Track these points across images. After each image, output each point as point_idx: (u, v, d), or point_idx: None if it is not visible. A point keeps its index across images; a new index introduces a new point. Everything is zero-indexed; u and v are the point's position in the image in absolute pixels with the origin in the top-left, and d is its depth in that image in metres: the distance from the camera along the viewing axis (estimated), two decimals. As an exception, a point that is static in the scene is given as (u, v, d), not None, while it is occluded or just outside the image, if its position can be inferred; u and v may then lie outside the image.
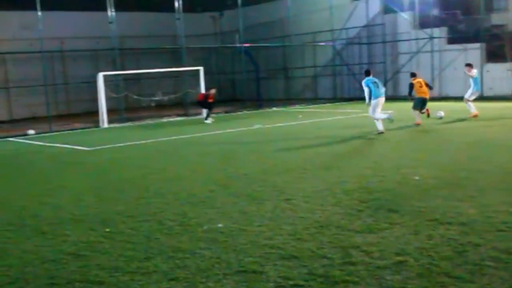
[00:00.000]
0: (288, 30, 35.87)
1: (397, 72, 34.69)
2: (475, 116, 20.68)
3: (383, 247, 6.38)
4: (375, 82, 17.96)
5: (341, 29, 36.81)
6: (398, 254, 6.13)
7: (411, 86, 20.30)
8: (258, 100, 35.94)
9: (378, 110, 17.83)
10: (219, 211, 8.53)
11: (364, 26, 36.30)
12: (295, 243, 6.70)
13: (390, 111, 18.22)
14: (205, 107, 25.86)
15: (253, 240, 6.92)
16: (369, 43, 36.42)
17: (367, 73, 18.52)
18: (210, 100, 25.70)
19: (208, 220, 8.03)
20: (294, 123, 22.80)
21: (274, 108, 32.04)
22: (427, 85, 20.45)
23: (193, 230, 7.59)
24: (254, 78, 38.55)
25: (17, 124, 32.00)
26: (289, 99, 36.61)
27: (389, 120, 17.99)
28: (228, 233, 7.29)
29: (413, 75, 20.84)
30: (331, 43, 36.80)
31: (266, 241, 6.84)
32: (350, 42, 37.38)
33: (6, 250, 7.24)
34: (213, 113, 26.63)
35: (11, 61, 35.21)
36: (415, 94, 20.21)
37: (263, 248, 6.59)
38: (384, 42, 35.42)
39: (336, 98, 36.36)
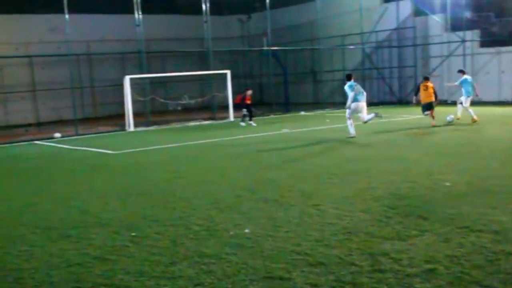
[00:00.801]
0: (317, 33, 35.78)
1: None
2: (474, 121, 21.02)
3: (412, 255, 6.34)
4: (355, 87, 18.64)
5: (370, 32, 36.66)
6: (428, 262, 6.09)
7: (418, 88, 21.51)
8: (285, 104, 35.93)
9: (364, 113, 18.80)
10: (246, 216, 8.55)
11: (394, 29, 36.13)
12: (322, 250, 6.69)
13: (376, 112, 19.16)
14: (244, 109, 26.01)
15: (280, 246, 6.92)
16: (399, 46, 36.24)
17: (349, 78, 19.07)
18: (248, 102, 25.83)
19: (235, 225, 8.05)
20: (322, 127, 22.75)
21: (302, 112, 31.99)
22: (434, 91, 21.06)
23: (220, 235, 7.61)
24: (282, 81, 38.55)
25: (43, 127, 32.41)
26: (317, 103, 36.55)
27: (378, 116, 19.00)
28: (255, 239, 7.30)
29: (426, 78, 21.70)
30: (360, 46, 36.66)
31: (293, 247, 6.83)
32: (380, 45, 37.23)
33: (32, 253, 7.32)
34: (253, 116, 26.64)
35: (38, 64, 35.64)
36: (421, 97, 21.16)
37: (290, 254, 6.58)
38: (414, 45, 35.22)
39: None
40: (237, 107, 26.96)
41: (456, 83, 22.34)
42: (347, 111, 18.80)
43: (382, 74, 37.08)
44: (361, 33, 35.91)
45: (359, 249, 6.63)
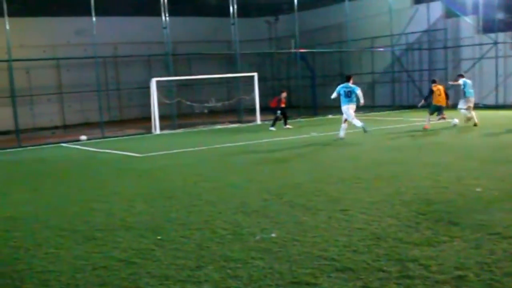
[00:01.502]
0: (346, 35, 35.63)
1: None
2: (469, 120, 22.00)
3: (442, 261, 6.30)
4: (348, 92, 19.77)
5: (400, 34, 36.47)
6: (457, 269, 6.04)
7: (431, 92, 21.98)
8: (313, 107, 35.87)
9: (353, 116, 19.82)
10: (272, 220, 8.55)
11: (425, 31, 35.90)
12: (350, 255, 6.67)
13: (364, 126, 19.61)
14: (278, 111, 25.96)
15: (307, 251, 6.92)
16: (430, 49, 35.99)
17: (348, 79, 20.36)
18: (282, 105, 25.85)
19: (261, 229, 8.06)
20: (350, 131, 22.66)
21: (330, 116, 31.92)
22: (445, 94, 21.91)
23: (246, 239, 7.63)
24: (310, 84, 38.47)
25: (69, 129, 32.74)
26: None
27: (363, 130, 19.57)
28: (281, 243, 7.30)
29: (434, 81, 22.53)
30: (390, 49, 36.48)
31: (320, 252, 6.83)
32: (410, 48, 37.01)
33: (58, 255, 7.41)
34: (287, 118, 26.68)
35: (64, 66, 36.04)
36: (432, 100, 21.98)
37: (317, 260, 6.58)
38: (445, 47, 34.96)
39: (394, 106, 36.06)
40: (272, 110, 26.83)
41: (461, 82, 22.53)
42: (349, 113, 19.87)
43: (412, 77, 36.86)
44: (391, 35, 35.70)
45: (388, 254, 6.61)
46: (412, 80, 36.81)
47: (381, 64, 38.07)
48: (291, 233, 7.74)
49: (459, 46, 34.39)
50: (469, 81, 22.73)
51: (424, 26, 35.78)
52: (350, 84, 19.98)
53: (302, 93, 35.47)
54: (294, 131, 23.66)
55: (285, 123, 26.09)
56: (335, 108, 34.80)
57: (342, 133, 19.95)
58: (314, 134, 22.08)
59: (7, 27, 23.89)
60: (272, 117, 26.36)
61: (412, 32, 36.33)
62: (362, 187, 10.80)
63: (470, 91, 22.30)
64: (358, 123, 19.74)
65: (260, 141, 20.96)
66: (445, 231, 7.47)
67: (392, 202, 9.31)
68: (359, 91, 19.93)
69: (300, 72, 34.33)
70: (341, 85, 20.15)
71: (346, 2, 34.58)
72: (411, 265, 6.21)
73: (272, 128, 25.48)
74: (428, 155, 15.05)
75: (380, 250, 6.81)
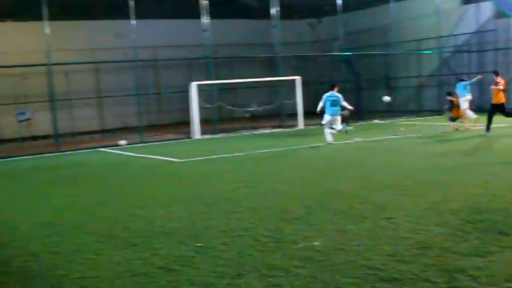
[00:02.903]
0: (391, 37, 35.43)
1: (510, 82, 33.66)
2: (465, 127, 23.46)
3: (491, 272, 6.22)
4: (333, 101, 20.72)
5: (448, 36, 36.04)
6: (508, 280, 5.96)
7: (452, 103, 23.90)
8: (358, 111, 35.68)
9: (326, 124, 20.90)
10: (315, 228, 8.54)
11: (474, 33, 35.41)
12: (395, 265, 6.63)
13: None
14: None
15: (351, 260, 6.90)
16: (479, 51, 35.49)
17: (332, 87, 21.24)
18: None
19: (304, 237, 8.05)
20: (396, 136, 22.53)
21: (375, 121, 31.75)
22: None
23: (288, 247, 7.64)
24: (354, 88, 38.29)
25: (108, 134, 33.15)
26: (391, 111, 36.14)
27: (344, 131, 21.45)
28: (324, 252, 7.29)
29: (450, 93, 24.47)
30: (437, 51, 36.10)
31: (364, 262, 6.80)
32: (458, 50, 36.55)
33: (97, 261, 7.52)
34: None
35: (103, 70, 36.52)
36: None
37: (361, 269, 6.56)
38: (496, 49, 34.45)
39: (442, 110, 35.61)
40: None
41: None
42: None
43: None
44: (438, 37, 35.36)
45: (435, 265, 6.55)
46: (461, 84, 36.38)
47: (428, 67, 37.67)
48: (335, 241, 7.73)
49: (510, 48, 33.87)
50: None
51: (473, 28, 35.32)
52: (335, 92, 20.86)
53: (346, 97, 35.14)
54: (337, 136, 23.54)
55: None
56: (381, 112, 34.78)
57: (330, 138, 20.87)
58: (358, 139, 21.95)
59: (47, 30, 24.31)
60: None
61: (461, 34, 35.90)
62: (408, 194, 10.71)
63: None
64: (329, 137, 20.76)
65: (302, 146, 20.95)
66: (494, 240, 7.37)
67: (439, 210, 9.21)
68: (344, 103, 21.17)
69: (344, 75, 34.22)
70: (327, 94, 20.92)
71: (392, 3, 34.40)
72: (459, 276, 6.15)
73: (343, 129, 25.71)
74: (477, 161, 14.86)
75: (426, 259, 6.75)
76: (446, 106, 24.88)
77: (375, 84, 40.65)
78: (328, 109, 20.73)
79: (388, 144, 20.48)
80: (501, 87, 21.15)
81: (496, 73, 22.11)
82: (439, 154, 16.64)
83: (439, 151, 17.33)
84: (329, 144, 20.43)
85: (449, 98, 24.21)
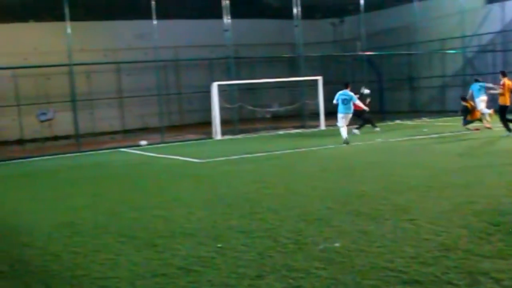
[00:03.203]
0: (414, 37, 35.23)
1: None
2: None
3: (515, 275, 6.19)
4: (345, 99, 20.96)
5: (473, 35, 35.78)
6: (533, 283, 5.92)
7: (466, 108, 23.96)
8: (380, 112, 35.56)
9: (340, 124, 21.32)
10: (336, 229, 8.52)
11: (499, 32, 35.14)
12: (417, 267, 6.59)
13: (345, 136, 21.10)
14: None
15: (372, 262, 6.87)
16: (504, 51, 35.18)
17: (346, 86, 21.47)
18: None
19: (325, 238, 8.04)
20: (419, 137, 22.42)
21: (398, 121, 31.63)
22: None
23: (309, 248, 7.63)
24: (376, 88, 38.13)
25: (129, 134, 33.32)
26: (414, 112, 35.98)
27: (344, 141, 20.92)
28: (345, 253, 7.27)
29: (464, 99, 24.29)
30: (461, 51, 35.85)
31: (386, 264, 6.77)
32: (483, 50, 36.27)
33: (117, 262, 7.56)
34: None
35: (125, 70, 36.71)
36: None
37: (382, 271, 6.53)
38: (521, 49, 34.22)
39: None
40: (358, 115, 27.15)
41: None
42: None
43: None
44: (462, 37, 35.13)
45: (457, 267, 6.51)
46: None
47: (452, 67, 37.43)
48: (356, 243, 7.70)
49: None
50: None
51: (498, 27, 35.03)
52: (348, 91, 21.09)
53: (495, 93, 34.98)
54: (359, 137, 23.51)
55: (361, 127, 26.06)
56: (403, 113, 34.64)
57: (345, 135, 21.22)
58: (380, 140, 21.87)
59: (68, 31, 24.48)
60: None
61: (485, 33, 35.61)
62: (430, 196, 10.65)
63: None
64: (344, 134, 21.12)
65: (324, 147, 20.91)
66: (519, 243, 7.33)
67: (463, 211, 9.15)
68: (358, 101, 21.59)
69: (367, 75, 34.08)
70: (340, 92, 21.23)
71: (415, 3, 34.24)
72: (482, 279, 6.10)
73: (377, 129, 26.23)
74: (500, 162, 14.70)
75: (449, 262, 6.71)
76: (460, 111, 24.65)
77: (397, 85, 40.49)
78: (340, 107, 21.12)
79: (410, 144, 20.40)
80: (499, 90, 21.41)
81: (504, 74, 21.99)
82: (462, 155, 16.56)
83: (462, 152, 17.23)
84: (345, 141, 20.86)
85: (464, 103, 24.19)
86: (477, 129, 23.54)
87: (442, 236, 7.80)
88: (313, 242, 7.88)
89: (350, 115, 21.51)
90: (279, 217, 9.52)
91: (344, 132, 21.15)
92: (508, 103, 21.14)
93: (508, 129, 20.76)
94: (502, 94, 21.16)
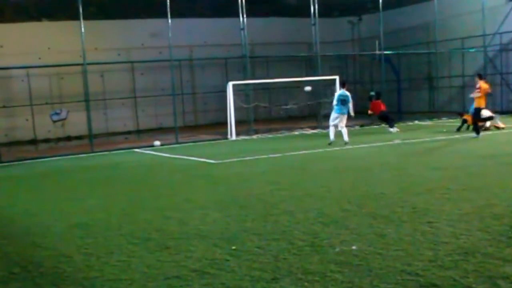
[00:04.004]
0: (434, 35, 35.03)
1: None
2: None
3: (536, 279, 6.14)
4: (343, 100, 21.60)
5: (494, 34, 35.56)
6: (554, 288, 5.88)
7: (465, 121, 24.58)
8: (399, 112, 35.45)
9: (331, 123, 21.97)
10: (353, 232, 8.51)
11: (521, 30, 34.97)
12: (436, 271, 6.57)
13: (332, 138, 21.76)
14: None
15: (390, 265, 6.85)
16: (527, 49, 35.04)
17: (343, 85, 22.53)
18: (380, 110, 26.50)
19: (341, 241, 8.03)
20: (438, 138, 22.33)
21: (416, 122, 31.52)
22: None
23: (325, 251, 7.62)
24: (395, 88, 38.06)
25: (143, 134, 33.44)
26: (433, 112, 35.85)
27: (329, 141, 21.66)
28: (362, 256, 7.26)
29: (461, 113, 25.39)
30: (482, 50, 35.64)
31: (403, 267, 6.75)
32: (504, 48, 36.06)
33: (130, 263, 7.59)
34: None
35: (139, 69, 36.81)
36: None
37: (400, 274, 6.51)
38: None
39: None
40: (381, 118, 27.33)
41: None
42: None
43: (507, 80, 35.90)
44: (483, 35, 34.91)
45: (476, 271, 6.48)
46: (507, 84, 35.86)
47: (473, 66, 37.11)
48: (373, 246, 7.69)
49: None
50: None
51: (521, 25, 34.83)
52: (345, 91, 21.82)
53: (387, 97, 34.90)
54: (377, 137, 23.45)
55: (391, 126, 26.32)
56: (422, 113, 34.52)
57: (346, 137, 21.66)
58: (397, 141, 21.80)
59: (82, 30, 24.59)
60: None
61: (507, 32, 35.37)
62: (450, 198, 10.61)
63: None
64: (332, 134, 21.87)
65: (340, 148, 20.85)
66: (540, 246, 7.28)
67: (482, 214, 9.11)
68: (351, 104, 21.88)
69: (385, 75, 34.00)
70: (339, 93, 22.08)
71: (435, 1, 34.07)
72: (502, 283, 6.07)
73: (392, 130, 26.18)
74: (523, 165, 14.66)
75: (468, 265, 6.68)
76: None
77: (416, 84, 40.35)
78: (337, 107, 21.65)
79: (429, 145, 20.33)
80: (477, 94, 21.74)
81: (480, 76, 22.52)
82: (482, 156, 16.45)
83: (482, 153, 17.11)
84: (330, 142, 21.50)
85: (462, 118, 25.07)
86: (497, 127, 24.06)
87: (461, 239, 7.77)
88: (329, 245, 7.88)
89: (346, 116, 21.88)
90: (294, 219, 9.52)
91: (332, 132, 21.92)
92: (483, 106, 21.90)
93: (477, 132, 21.74)
94: (479, 97, 21.69)
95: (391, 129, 25.75)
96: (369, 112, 27.54)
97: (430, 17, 35.11)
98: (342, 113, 21.69)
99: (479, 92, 21.54)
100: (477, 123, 22.00)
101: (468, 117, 24.05)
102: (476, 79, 22.30)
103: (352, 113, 22.16)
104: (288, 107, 33.71)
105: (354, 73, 44.23)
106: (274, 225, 9.24)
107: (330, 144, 21.38)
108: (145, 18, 35.44)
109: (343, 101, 21.59)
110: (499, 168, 14.22)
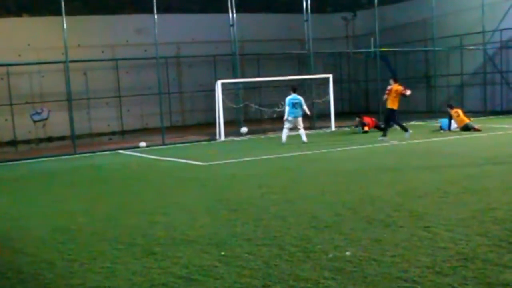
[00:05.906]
0: (431, 33, 35.12)
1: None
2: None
3: (537, 286, 6.17)
4: (295, 103, 23.02)
5: (494, 31, 35.67)
6: (556, 295, 5.91)
7: (450, 117, 25.49)
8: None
9: (285, 126, 23.36)
10: (347, 237, 8.52)
11: (521, 27, 35.11)
12: (433, 277, 6.59)
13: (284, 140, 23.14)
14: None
15: (385, 272, 6.87)
16: (527, 47, 35.19)
17: (294, 90, 23.62)
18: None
19: (335, 247, 8.04)
20: (435, 139, 22.41)
21: (413, 122, 31.59)
22: (464, 114, 25.67)
23: (317, 257, 7.62)
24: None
25: (128, 135, 33.39)
26: (430, 112, 35.92)
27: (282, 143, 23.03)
28: (356, 262, 7.27)
29: (451, 106, 26.05)
30: (482, 47, 35.77)
31: (400, 273, 6.77)
32: (504, 46, 36.21)
33: (115, 270, 7.57)
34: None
35: (123, 67, 36.66)
36: (456, 123, 25.23)
37: (396, 281, 6.53)
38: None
39: (486, 111, 35.30)
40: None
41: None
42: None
43: (507, 79, 36.05)
44: (483, 32, 35.03)
45: (476, 277, 6.50)
46: (507, 82, 36.01)
47: (472, 65, 37.29)
48: (368, 252, 7.71)
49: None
50: None
51: (521, 22, 34.97)
52: (297, 95, 23.40)
53: (382, 96, 35.09)
54: (373, 139, 23.48)
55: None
56: (419, 113, 34.60)
57: (304, 138, 23.34)
58: (394, 142, 21.86)
59: (65, 26, 24.51)
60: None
61: (507, 29, 35.51)
62: (448, 202, 10.64)
63: None
64: (284, 137, 23.33)
65: (335, 150, 20.89)
66: (542, 252, 7.31)
67: (482, 219, 9.14)
68: (305, 106, 23.52)
69: (380, 73, 34.03)
70: (289, 97, 23.29)
71: (433, -4, 34.19)
72: (502, 290, 6.11)
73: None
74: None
75: (467, 272, 6.70)
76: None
77: (413, 83, 40.39)
78: (290, 111, 23.12)
79: (426, 147, 20.39)
80: (385, 96, 23.29)
81: (395, 80, 23.73)
82: (482, 158, 16.50)
83: (482, 155, 17.17)
84: (283, 144, 22.84)
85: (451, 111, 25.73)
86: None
87: (460, 245, 7.79)
88: (322, 251, 7.88)
89: (300, 118, 23.37)
90: (286, 224, 9.53)
91: (285, 134, 23.33)
92: (395, 107, 23.01)
93: (384, 134, 22.85)
94: (391, 99, 22.94)
95: (382, 138, 25.47)
96: (366, 128, 27.32)
97: (428, 14, 35.18)
98: (295, 116, 23.19)
99: (387, 94, 23.02)
100: (388, 125, 23.63)
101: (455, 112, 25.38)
102: (391, 81, 23.61)
103: (308, 112, 23.89)
104: (281, 109, 33.73)
105: (349, 71, 44.31)
106: (265, 230, 9.24)
107: (283, 144, 22.83)
108: (130, 13, 35.43)
109: (295, 104, 23.07)
110: (500, 170, 14.29)
